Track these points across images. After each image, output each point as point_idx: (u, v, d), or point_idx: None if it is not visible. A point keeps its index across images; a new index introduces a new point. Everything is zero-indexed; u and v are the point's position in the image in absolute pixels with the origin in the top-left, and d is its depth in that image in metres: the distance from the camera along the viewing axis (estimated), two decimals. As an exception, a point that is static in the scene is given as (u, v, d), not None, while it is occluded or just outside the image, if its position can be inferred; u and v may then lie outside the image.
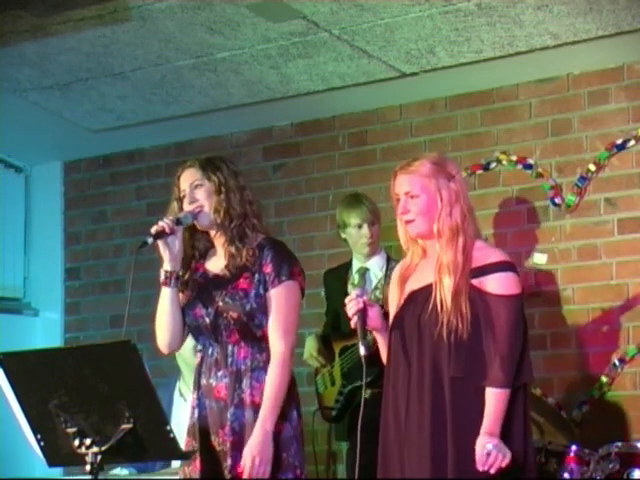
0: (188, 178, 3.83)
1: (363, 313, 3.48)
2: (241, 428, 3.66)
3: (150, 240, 3.68)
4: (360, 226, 5.11)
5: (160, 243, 3.72)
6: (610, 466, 4.26)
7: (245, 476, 3.58)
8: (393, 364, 3.54)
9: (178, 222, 3.74)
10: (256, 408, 3.65)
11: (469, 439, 3.36)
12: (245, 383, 3.68)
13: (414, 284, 3.57)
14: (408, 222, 3.55)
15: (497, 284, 3.45)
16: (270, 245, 3.78)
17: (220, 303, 3.73)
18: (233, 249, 3.76)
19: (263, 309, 3.72)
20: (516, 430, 3.42)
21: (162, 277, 3.77)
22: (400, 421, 3.47)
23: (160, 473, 4.53)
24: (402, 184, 3.56)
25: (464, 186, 3.59)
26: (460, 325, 3.39)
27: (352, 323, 3.50)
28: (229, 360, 3.71)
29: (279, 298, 3.72)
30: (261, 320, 3.72)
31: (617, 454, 4.27)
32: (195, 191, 3.80)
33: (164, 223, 3.71)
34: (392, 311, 3.63)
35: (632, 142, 5.37)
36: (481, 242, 3.59)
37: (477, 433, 3.36)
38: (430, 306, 3.45)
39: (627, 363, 5.27)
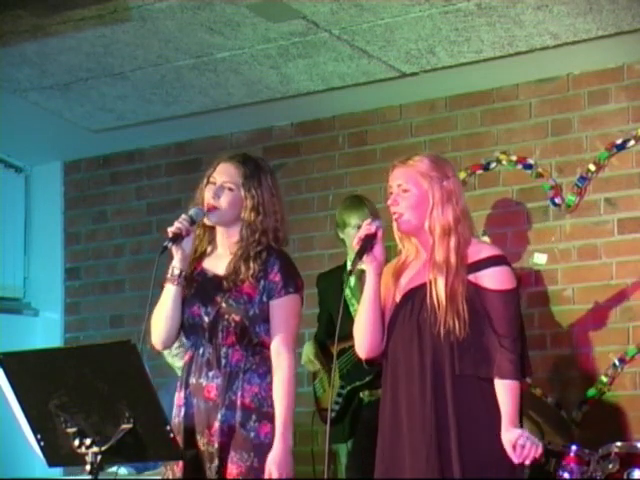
0: (225, 174, 3.76)
1: (372, 240, 3.48)
2: (230, 430, 3.64)
3: (170, 244, 3.63)
4: (359, 227, 5.10)
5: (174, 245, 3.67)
6: (610, 466, 4.26)
7: None
8: (391, 362, 3.53)
9: (192, 221, 3.70)
10: (246, 410, 3.64)
11: (473, 436, 3.37)
12: (237, 385, 3.66)
13: (408, 283, 3.56)
14: (397, 217, 3.55)
15: (493, 279, 3.46)
16: (277, 254, 3.75)
17: (223, 305, 3.70)
18: (249, 263, 3.71)
19: (264, 316, 3.70)
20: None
21: (170, 274, 3.72)
22: (400, 420, 3.46)
23: (153, 473, 4.51)
24: (397, 177, 3.57)
25: (459, 188, 3.58)
26: (457, 325, 3.39)
27: (355, 241, 3.49)
28: (223, 362, 3.69)
29: (285, 309, 3.70)
30: (260, 327, 3.70)
31: (617, 454, 4.27)
32: (224, 191, 3.74)
33: (181, 225, 3.66)
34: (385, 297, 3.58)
35: (632, 142, 5.37)
36: (474, 239, 3.59)
37: (481, 430, 3.38)
38: (427, 305, 3.46)
39: (627, 363, 5.27)
